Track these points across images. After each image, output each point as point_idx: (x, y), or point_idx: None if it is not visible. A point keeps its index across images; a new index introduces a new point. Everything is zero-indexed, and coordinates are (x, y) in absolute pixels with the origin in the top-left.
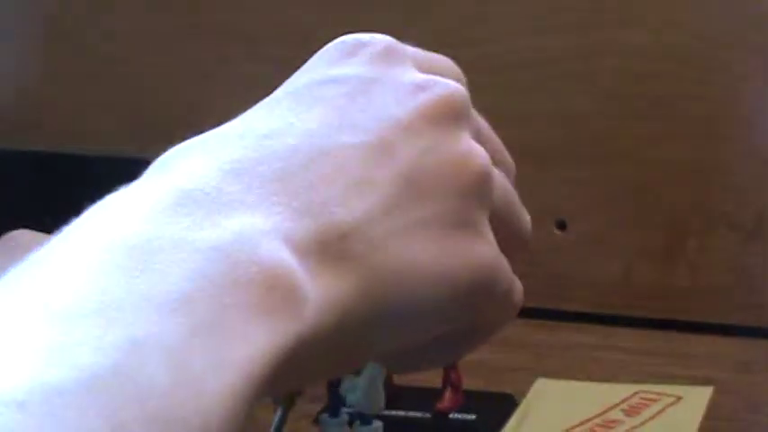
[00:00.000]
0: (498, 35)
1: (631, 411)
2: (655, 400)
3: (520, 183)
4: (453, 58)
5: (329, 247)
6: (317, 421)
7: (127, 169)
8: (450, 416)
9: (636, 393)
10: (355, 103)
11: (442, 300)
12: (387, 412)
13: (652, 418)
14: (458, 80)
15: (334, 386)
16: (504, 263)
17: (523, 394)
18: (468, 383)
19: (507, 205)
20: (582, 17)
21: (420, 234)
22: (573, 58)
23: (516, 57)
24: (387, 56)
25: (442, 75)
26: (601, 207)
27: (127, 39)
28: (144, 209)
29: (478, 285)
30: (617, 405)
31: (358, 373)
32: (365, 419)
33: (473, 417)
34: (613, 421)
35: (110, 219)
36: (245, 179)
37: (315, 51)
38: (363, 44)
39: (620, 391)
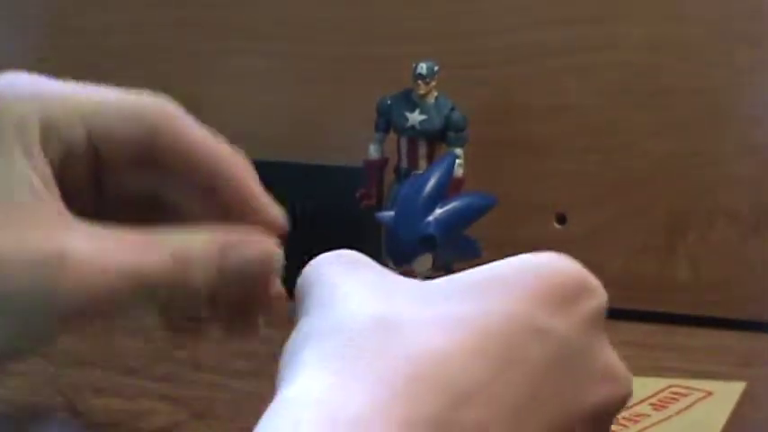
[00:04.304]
0: (498, 27)
1: (659, 406)
2: (685, 395)
3: (520, 176)
4: (453, 49)
5: None
6: None
7: None
8: None
9: (668, 387)
10: (550, 378)
11: None
12: None
13: (679, 412)
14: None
15: None
16: None
17: None
18: None
19: None
20: (582, 10)
21: None
22: (573, 51)
23: (516, 50)
24: (598, 320)
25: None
26: (601, 201)
27: (126, 31)
28: None
29: None
30: (646, 399)
31: None
32: None
33: None
34: (640, 415)
35: None
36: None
37: (314, 45)
38: (586, 295)
39: (652, 384)
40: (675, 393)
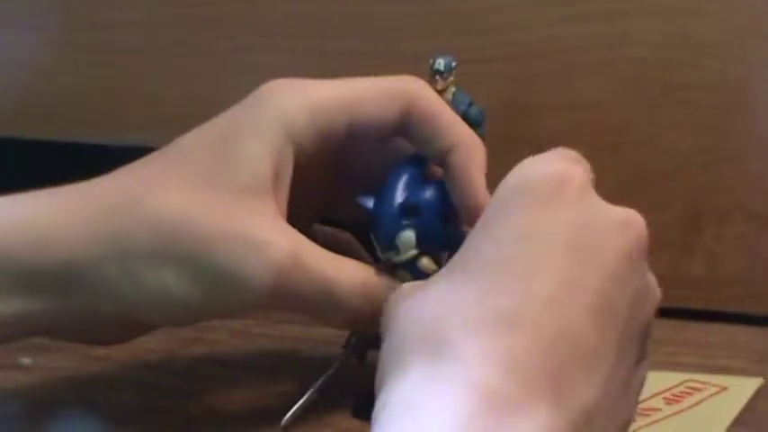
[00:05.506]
0: (512, 24)
1: (672, 400)
2: (699, 390)
3: None
4: (471, 46)
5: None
6: None
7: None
8: None
9: (683, 382)
10: (575, 256)
11: None
12: None
13: (691, 407)
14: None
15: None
16: None
17: None
18: None
19: None
20: (597, 6)
21: (626, 390)
22: (588, 47)
23: (531, 46)
24: (584, 190)
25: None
26: (616, 197)
27: (142, 28)
28: (453, 416)
29: None
30: (660, 393)
31: None
32: None
33: None
34: (652, 409)
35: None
36: (518, 377)
37: (329, 42)
38: (563, 182)
39: (668, 379)
40: (690, 388)
